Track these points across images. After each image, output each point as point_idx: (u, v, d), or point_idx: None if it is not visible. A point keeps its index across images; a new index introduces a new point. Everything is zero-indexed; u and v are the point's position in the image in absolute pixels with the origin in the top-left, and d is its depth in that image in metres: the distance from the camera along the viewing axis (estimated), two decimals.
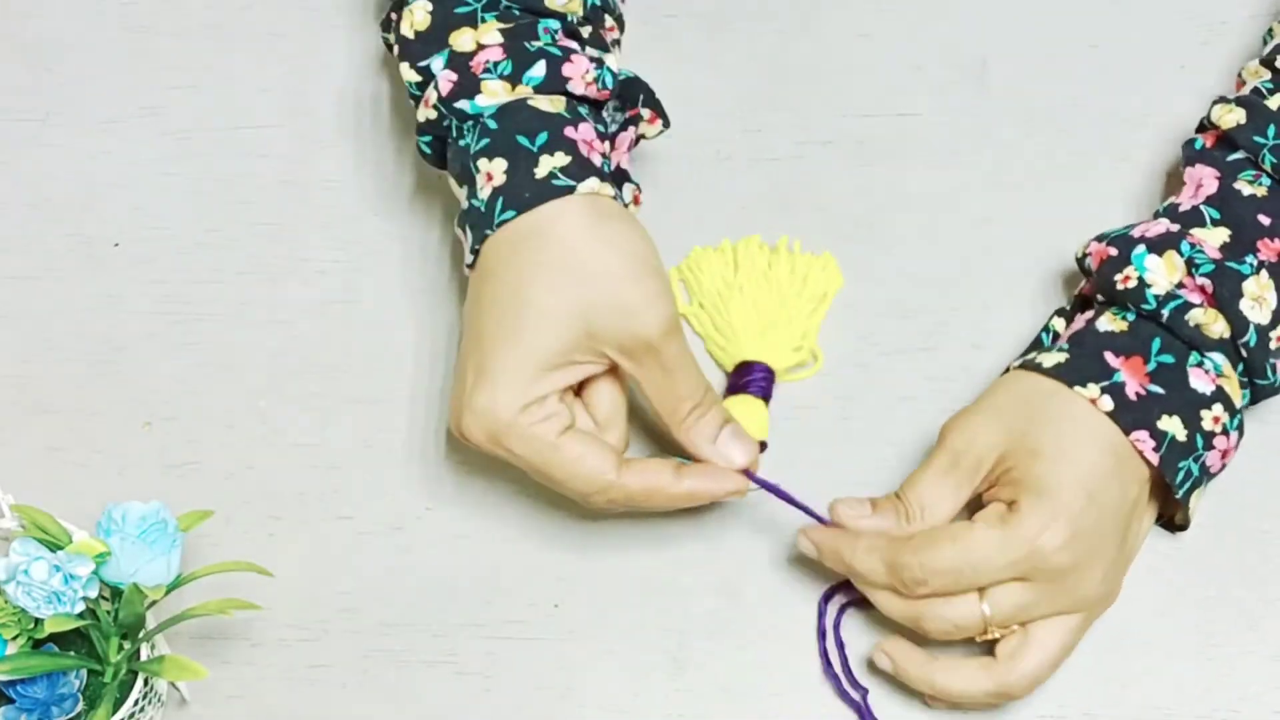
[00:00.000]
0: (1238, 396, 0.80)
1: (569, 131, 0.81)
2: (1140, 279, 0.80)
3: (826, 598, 0.83)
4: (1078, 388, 0.78)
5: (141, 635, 0.77)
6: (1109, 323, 0.81)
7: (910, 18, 0.98)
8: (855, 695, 0.81)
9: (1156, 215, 0.85)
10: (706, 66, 0.96)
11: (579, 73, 0.82)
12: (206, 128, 0.97)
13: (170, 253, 0.93)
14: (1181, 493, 0.79)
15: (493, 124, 0.81)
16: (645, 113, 0.86)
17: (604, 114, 0.85)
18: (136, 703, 0.77)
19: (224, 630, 0.83)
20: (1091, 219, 0.88)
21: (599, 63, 0.83)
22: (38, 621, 0.74)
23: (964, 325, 0.89)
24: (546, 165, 0.79)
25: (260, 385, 0.89)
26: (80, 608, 0.74)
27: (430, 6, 0.83)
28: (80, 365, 0.90)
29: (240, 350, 0.90)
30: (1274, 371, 0.81)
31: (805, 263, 0.90)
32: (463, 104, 0.81)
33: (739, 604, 0.83)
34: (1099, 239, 0.84)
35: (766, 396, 0.86)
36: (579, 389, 0.81)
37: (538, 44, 0.82)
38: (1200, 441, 0.79)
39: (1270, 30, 0.89)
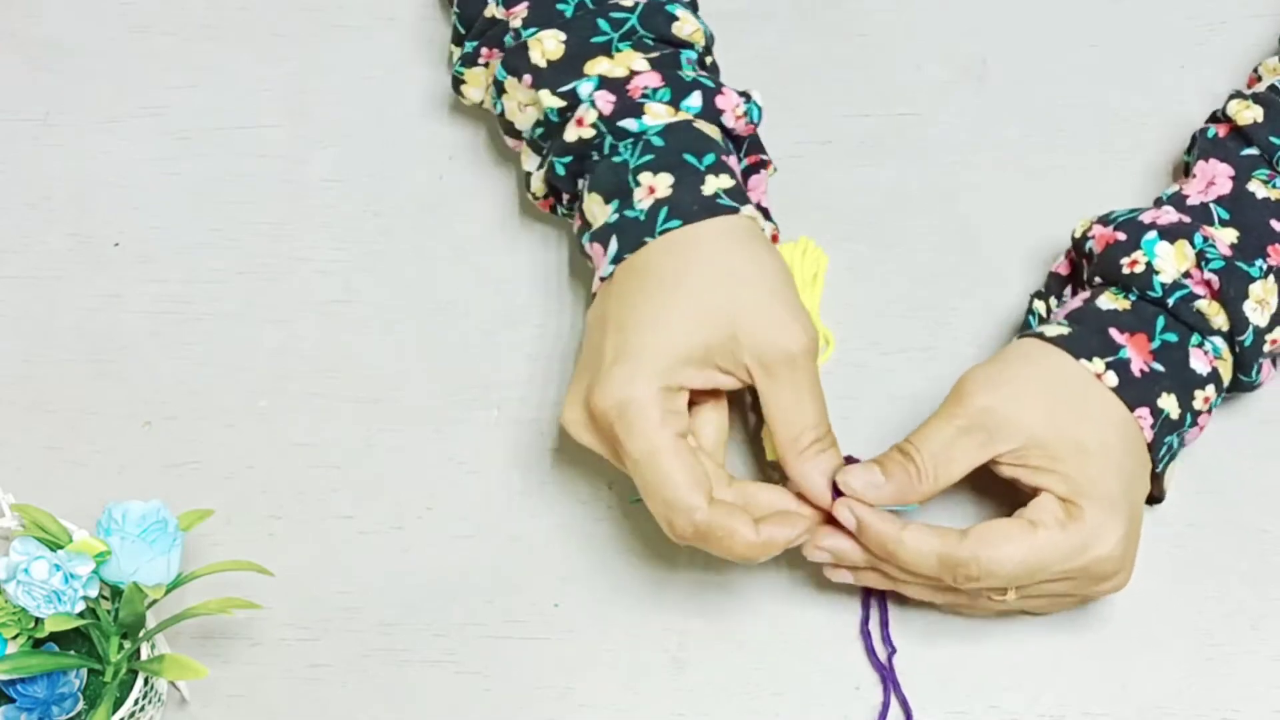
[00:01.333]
0: (1227, 379, 0.81)
1: (729, 160, 0.82)
2: (1149, 264, 0.80)
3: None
4: (1083, 360, 0.78)
5: (142, 634, 0.77)
6: (1110, 301, 0.81)
7: (910, 18, 0.98)
8: (883, 654, 0.81)
9: (1159, 202, 0.85)
10: None
11: (730, 105, 0.83)
12: (206, 128, 0.97)
13: (170, 253, 0.93)
14: (1160, 467, 0.80)
15: (658, 140, 0.81)
16: (763, 157, 0.87)
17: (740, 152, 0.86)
18: (137, 702, 0.77)
19: (224, 630, 0.83)
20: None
21: (747, 97, 0.85)
22: (38, 621, 0.75)
23: (964, 325, 0.89)
24: (712, 185, 0.80)
25: (260, 385, 0.89)
26: (80, 607, 0.74)
27: (564, 36, 0.84)
28: (80, 365, 0.90)
29: (240, 350, 0.90)
30: (1258, 371, 0.82)
31: (787, 253, 0.89)
32: (627, 122, 0.82)
33: (739, 604, 0.83)
34: (1103, 221, 0.83)
35: None
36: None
37: (691, 74, 0.83)
38: (1189, 419, 0.80)
39: None
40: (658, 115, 0.82)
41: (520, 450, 0.87)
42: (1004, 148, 0.94)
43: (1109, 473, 0.77)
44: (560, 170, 0.85)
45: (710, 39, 0.88)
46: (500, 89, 0.86)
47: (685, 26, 0.86)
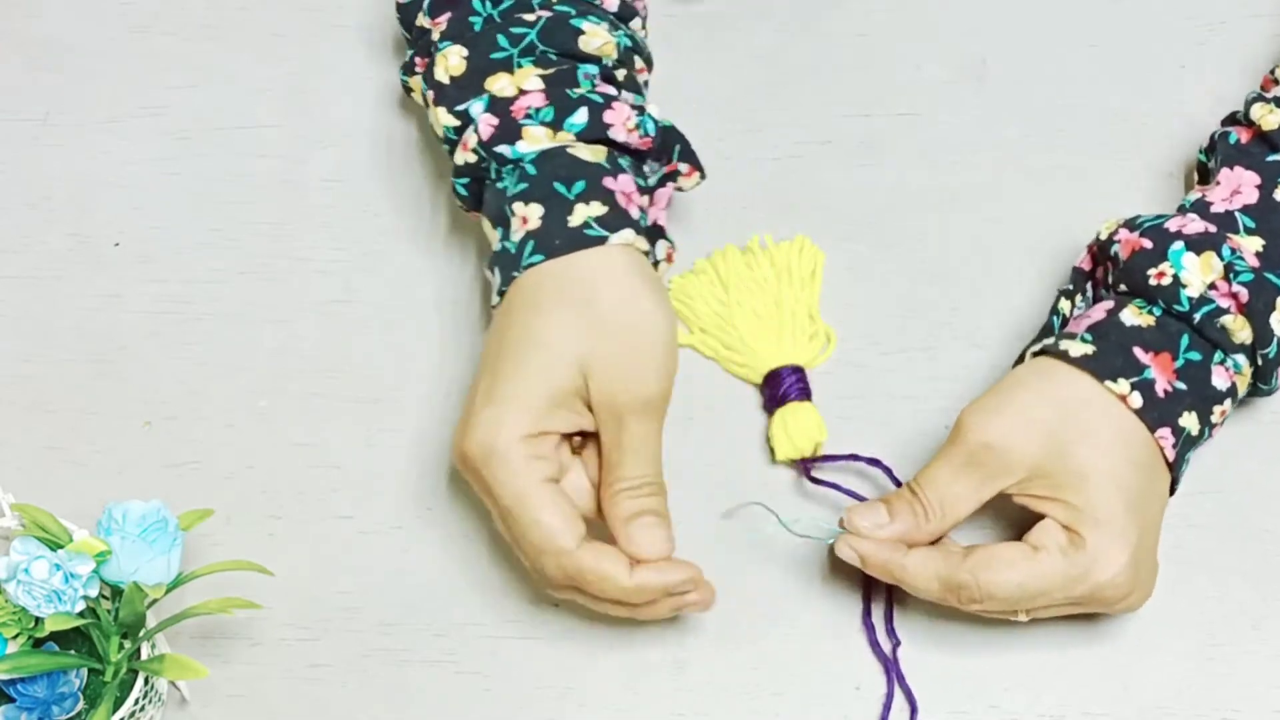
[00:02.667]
0: (1243, 392, 0.81)
1: (608, 182, 0.81)
2: (1176, 277, 0.80)
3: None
4: (1108, 382, 0.78)
5: (142, 634, 0.77)
6: (1134, 316, 0.80)
7: (910, 18, 0.98)
8: (887, 646, 0.81)
9: (1183, 209, 0.84)
10: (706, 66, 0.96)
11: (620, 120, 0.82)
12: (206, 128, 0.97)
13: (170, 253, 0.93)
14: (1178, 484, 0.80)
15: (532, 169, 0.81)
16: (683, 167, 0.86)
17: (645, 167, 0.85)
18: (137, 701, 0.77)
19: (224, 629, 0.83)
20: (1091, 218, 0.87)
21: (640, 110, 0.83)
22: (38, 620, 0.74)
23: (964, 325, 0.89)
24: (581, 214, 0.79)
25: (260, 385, 0.89)
26: (80, 606, 0.74)
27: (465, 51, 0.83)
28: (80, 365, 0.90)
29: (240, 350, 0.90)
30: (1276, 379, 0.82)
31: (784, 252, 0.90)
32: (503, 149, 0.81)
33: (739, 604, 0.83)
34: (1129, 226, 0.83)
35: (808, 396, 0.86)
36: (581, 447, 0.80)
37: (579, 91, 0.82)
38: (1206, 433, 0.80)
39: None
40: (535, 140, 0.81)
41: None
42: (1004, 148, 0.94)
43: (1114, 498, 0.76)
44: (461, 190, 0.84)
45: (632, 51, 0.86)
46: (425, 101, 0.86)
47: (593, 40, 0.84)
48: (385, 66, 0.98)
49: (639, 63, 0.87)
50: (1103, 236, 0.84)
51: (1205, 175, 0.88)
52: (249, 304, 0.92)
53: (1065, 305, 0.84)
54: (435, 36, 0.86)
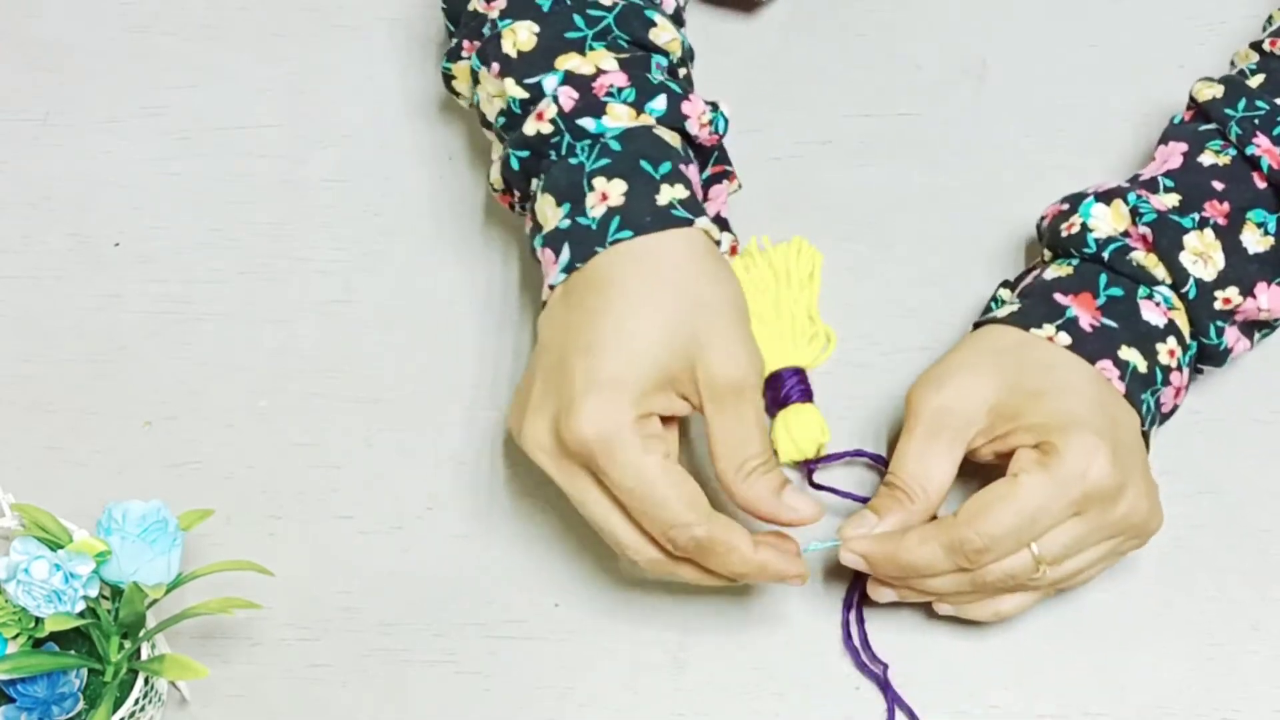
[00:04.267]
0: (1187, 331, 0.81)
1: (684, 168, 0.81)
2: (1084, 224, 0.82)
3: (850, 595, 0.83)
4: (1033, 329, 0.79)
5: (142, 634, 0.77)
6: (1055, 270, 0.82)
7: (910, 18, 0.98)
8: (876, 669, 0.81)
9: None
10: (707, 67, 0.96)
11: (696, 113, 0.82)
12: (206, 128, 0.97)
13: (170, 253, 0.93)
14: (1146, 425, 0.80)
15: (616, 145, 0.80)
16: (730, 169, 0.87)
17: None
18: (137, 702, 0.77)
19: (224, 629, 0.83)
20: None
21: (714, 106, 0.84)
22: (38, 620, 0.74)
23: (964, 325, 0.89)
24: (668, 194, 0.79)
25: (260, 385, 0.89)
26: (80, 607, 0.74)
27: (537, 28, 0.83)
28: (80, 365, 0.90)
29: (240, 350, 0.90)
30: (1219, 335, 0.82)
31: (781, 254, 0.90)
32: (586, 121, 0.81)
33: (739, 604, 0.83)
34: (1057, 201, 0.85)
35: (810, 397, 0.86)
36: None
37: (659, 77, 0.82)
38: (1159, 375, 0.80)
39: (1270, 18, 0.90)
40: (618, 117, 0.81)
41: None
42: (1004, 148, 0.94)
43: (1072, 402, 0.76)
44: (515, 164, 0.83)
45: (689, 53, 0.87)
46: (475, 78, 0.86)
47: (663, 34, 0.84)
48: (385, 66, 0.98)
49: (690, 66, 0.88)
50: (1038, 221, 0.86)
51: None
52: (249, 304, 0.92)
53: (1004, 293, 0.85)
54: (494, 15, 0.85)
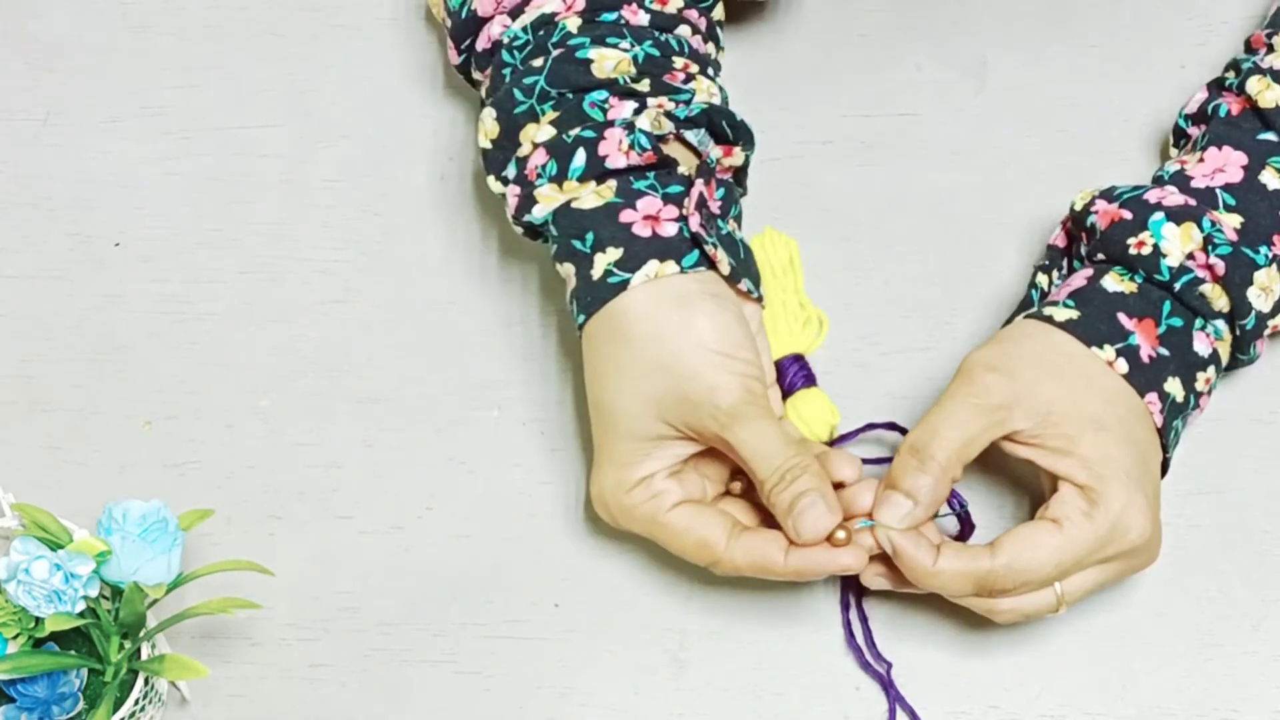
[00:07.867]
0: (1226, 359, 0.82)
1: (624, 216, 0.80)
2: (1156, 247, 0.80)
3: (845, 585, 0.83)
4: (1094, 348, 0.78)
5: (142, 634, 0.77)
6: (1116, 283, 0.81)
7: (910, 18, 0.98)
8: (880, 668, 0.81)
9: (1160, 180, 0.84)
10: None
11: (614, 147, 0.81)
12: (206, 128, 0.97)
13: (170, 253, 0.93)
14: (1170, 452, 0.80)
15: (554, 229, 0.82)
16: (717, 150, 0.84)
17: (701, 145, 0.84)
18: (137, 702, 0.77)
19: (224, 629, 0.83)
20: None
21: (630, 127, 0.82)
22: (38, 620, 0.74)
23: (964, 325, 0.89)
24: (600, 264, 0.80)
25: (260, 385, 0.89)
26: (81, 607, 0.74)
27: (495, 113, 0.84)
28: (80, 365, 0.90)
29: (240, 350, 0.90)
30: (1255, 349, 0.82)
31: (756, 247, 0.89)
32: (529, 218, 0.83)
33: (739, 604, 0.83)
34: (1106, 197, 0.83)
35: (814, 381, 0.86)
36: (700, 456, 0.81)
37: (574, 130, 0.82)
38: (1192, 401, 0.80)
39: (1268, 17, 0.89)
40: (548, 200, 0.82)
41: (520, 450, 0.87)
42: (1004, 148, 0.94)
43: (1124, 449, 0.76)
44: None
45: (654, 58, 0.84)
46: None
47: (605, 64, 0.83)
48: (385, 66, 0.98)
49: (679, 61, 0.86)
50: (1077, 208, 0.84)
51: (1180, 139, 0.89)
52: (249, 304, 0.92)
53: (1043, 279, 0.85)
54: (483, 94, 0.87)
